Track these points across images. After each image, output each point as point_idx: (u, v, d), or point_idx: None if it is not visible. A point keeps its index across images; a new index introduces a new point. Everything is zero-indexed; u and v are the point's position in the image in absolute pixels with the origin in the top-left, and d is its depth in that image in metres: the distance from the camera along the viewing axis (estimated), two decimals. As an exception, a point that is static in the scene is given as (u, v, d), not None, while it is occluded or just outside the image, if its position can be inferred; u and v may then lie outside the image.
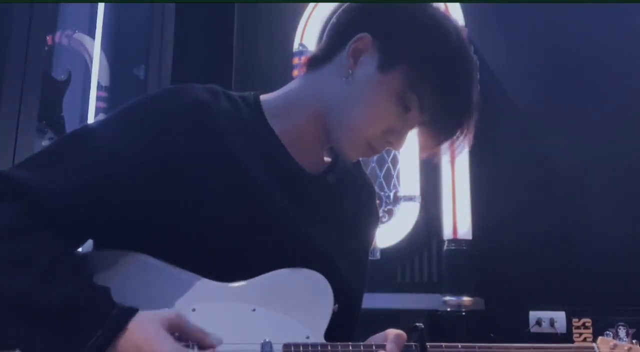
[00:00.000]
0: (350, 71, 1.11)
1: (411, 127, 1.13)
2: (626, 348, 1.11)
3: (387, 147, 1.16)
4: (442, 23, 1.11)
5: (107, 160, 1.04)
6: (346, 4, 1.19)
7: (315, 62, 1.18)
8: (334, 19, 1.19)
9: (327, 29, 1.20)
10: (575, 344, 1.14)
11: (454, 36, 1.11)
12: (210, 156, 1.07)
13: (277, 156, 1.14)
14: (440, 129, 1.12)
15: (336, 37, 1.16)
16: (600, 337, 1.13)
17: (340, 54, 1.14)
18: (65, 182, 1.01)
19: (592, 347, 1.11)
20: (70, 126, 2.58)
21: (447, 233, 2.58)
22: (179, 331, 0.96)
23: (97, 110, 2.74)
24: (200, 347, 0.97)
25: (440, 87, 1.08)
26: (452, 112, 1.11)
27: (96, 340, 0.92)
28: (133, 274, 1.04)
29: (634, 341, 1.13)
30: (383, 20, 1.13)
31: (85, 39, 2.81)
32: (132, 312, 0.96)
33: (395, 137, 1.13)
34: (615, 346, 1.11)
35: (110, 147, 1.05)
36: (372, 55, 1.11)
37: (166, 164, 1.04)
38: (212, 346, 0.97)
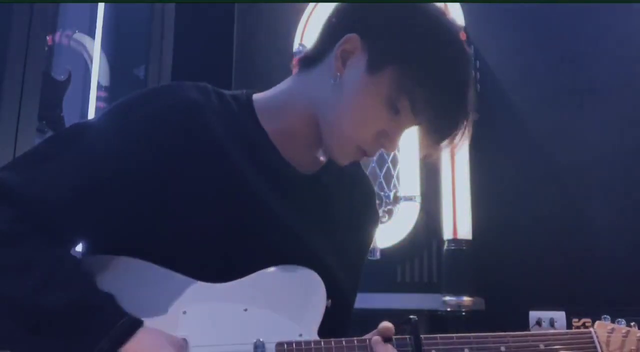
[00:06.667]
0: (338, 74, 1.08)
1: (404, 128, 1.11)
2: (624, 331, 1.10)
3: (380, 150, 1.13)
4: (433, 22, 1.08)
5: (95, 161, 1.03)
6: (337, 4, 1.16)
7: (307, 62, 1.16)
8: (325, 19, 1.17)
9: (320, 28, 1.17)
10: (573, 330, 1.12)
11: (446, 35, 1.08)
12: (200, 155, 1.06)
13: (267, 156, 1.13)
14: (435, 129, 1.10)
15: (326, 37, 1.13)
16: (597, 322, 1.12)
17: (329, 55, 1.11)
18: (54, 187, 1.00)
19: (590, 332, 1.10)
20: (70, 126, 2.58)
21: (447, 233, 2.57)
22: None
23: (97, 111, 2.73)
24: None
25: (431, 87, 1.05)
26: (446, 113, 1.08)
27: (106, 342, 0.92)
28: (123, 278, 1.03)
29: (632, 324, 1.12)
30: (371, 20, 1.09)
31: (85, 39, 2.81)
32: (140, 321, 0.97)
33: (387, 139, 1.10)
34: (612, 330, 1.10)
35: (98, 148, 1.04)
36: (361, 57, 1.08)
37: (155, 164, 1.03)
38: None
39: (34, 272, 0.95)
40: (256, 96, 1.18)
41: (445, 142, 1.10)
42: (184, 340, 0.99)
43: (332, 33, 1.12)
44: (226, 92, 1.17)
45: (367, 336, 1.07)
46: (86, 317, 0.94)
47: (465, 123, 1.09)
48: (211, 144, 1.07)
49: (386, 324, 1.04)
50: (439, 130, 1.10)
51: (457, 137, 1.10)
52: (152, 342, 0.95)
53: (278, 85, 1.20)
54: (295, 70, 1.19)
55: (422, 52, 1.05)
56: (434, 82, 1.05)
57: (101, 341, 0.92)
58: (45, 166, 1.02)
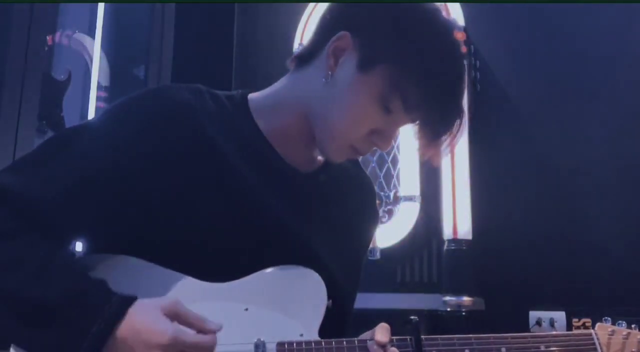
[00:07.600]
0: (330, 72, 1.08)
1: (398, 127, 1.11)
2: (624, 333, 1.10)
3: (373, 148, 1.13)
4: (424, 20, 1.08)
5: (89, 164, 1.03)
6: (330, 3, 1.16)
7: (301, 60, 1.16)
8: (318, 18, 1.17)
9: (314, 27, 1.17)
10: (573, 332, 1.11)
11: (437, 33, 1.07)
12: (194, 156, 1.06)
13: (263, 154, 1.13)
14: (429, 127, 1.09)
15: (319, 35, 1.13)
16: (598, 324, 1.12)
17: (322, 53, 1.11)
18: (48, 187, 1.01)
19: (590, 334, 1.10)
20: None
21: (447, 233, 2.57)
22: (178, 319, 0.95)
23: (97, 111, 2.73)
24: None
25: (423, 85, 1.04)
26: (439, 110, 1.07)
27: (97, 328, 0.92)
28: (122, 277, 1.03)
29: (632, 326, 1.11)
30: (363, 18, 1.09)
31: (85, 39, 2.81)
32: (131, 299, 0.95)
33: (380, 138, 1.10)
34: (613, 332, 1.10)
35: (93, 151, 1.05)
36: (352, 55, 1.07)
37: (150, 165, 1.04)
38: (213, 331, 0.95)
39: (25, 266, 0.95)
40: (251, 96, 1.18)
41: (440, 140, 1.10)
42: (176, 301, 0.96)
43: (324, 31, 1.12)
44: (221, 92, 1.17)
45: (363, 336, 1.07)
46: (78, 305, 0.93)
47: (458, 119, 1.08)
48: (206, 143, 1.07)
49: (380, 339, 1.03)
50: (432, 128, 1.09)
51: (452, 134, 1.09)
52: (144, 320, 0.93)
53: (273, 85, 1.20)
54: (290, 67, 1.19)
55: (413, 50, 1.05)
56: (425, 80, 1.05)
57: (93, 325, 0.91)
58: (42, 167, 1.03)
